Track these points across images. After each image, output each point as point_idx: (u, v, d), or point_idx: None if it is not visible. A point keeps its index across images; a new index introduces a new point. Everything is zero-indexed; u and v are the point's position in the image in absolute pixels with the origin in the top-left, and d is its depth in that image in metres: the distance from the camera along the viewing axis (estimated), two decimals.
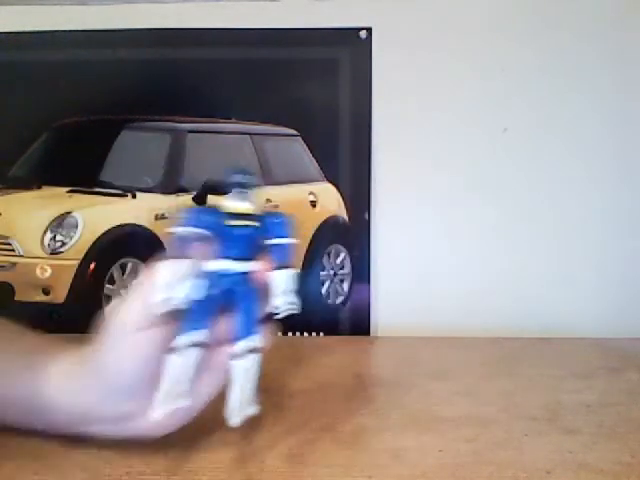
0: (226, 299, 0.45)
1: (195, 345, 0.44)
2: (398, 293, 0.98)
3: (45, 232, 0.94)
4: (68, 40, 0.97)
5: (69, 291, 0.94)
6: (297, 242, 0.46)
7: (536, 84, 0.96)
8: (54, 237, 0.94)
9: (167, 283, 0.43)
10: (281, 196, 0.97)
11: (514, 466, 0.51)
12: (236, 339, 0.45)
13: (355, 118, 0.96)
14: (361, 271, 0.97)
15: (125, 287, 0.96)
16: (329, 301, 0.97)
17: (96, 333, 0.48)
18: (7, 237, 0.94)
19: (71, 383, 0.48)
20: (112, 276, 0.95)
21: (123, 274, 0.95)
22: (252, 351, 0.45)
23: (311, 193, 0.97)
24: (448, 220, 0.98)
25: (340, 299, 0.98)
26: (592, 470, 0.50)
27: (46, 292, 0.94)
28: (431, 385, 0.71)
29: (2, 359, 0.52)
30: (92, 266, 0.94)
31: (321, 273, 0.97)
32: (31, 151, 0.97)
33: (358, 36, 0.95)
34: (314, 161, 0.96)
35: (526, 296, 0.98)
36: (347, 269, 0.97)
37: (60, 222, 0.94)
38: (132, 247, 0.96)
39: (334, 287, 0.97)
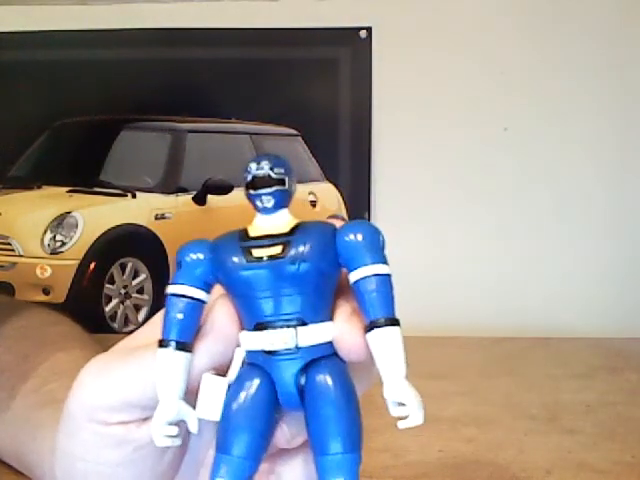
0: (285, 401, 0.27)
1: None
2: (398, 293, 0.97)
3: (45, 232, 0.94)
4: (68, 40, 0.97)
5: (69, 291, 0.94)
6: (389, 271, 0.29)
7: (536, 84, 0.96)
8: (54, 237, 0.94)
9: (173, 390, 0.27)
10: None
11: (514, 466, 0.51)
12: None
13: (355, 118, 0.96)
14: None
15: (125, 287, 0.96)
16: None
17: None
18: (7, 237, 0.94)
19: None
20: (112, 276, 0.95)
21: (123, 274, 0.95)
22: None
23: (311, 193, 0.97)
24: (448, 220, 0.98)
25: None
26: (592, 470, 0.50)
27: (46, 292, 0.94)
28: (431, 385, 0.71)
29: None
30: (92, 266, 0.94)
31: None
32: (31, 151, 0.97)
33: (358, 36, 0.95)
34: (314, 161, 0.96)
35: (526, 296, 0.98)
36: None
37: (60, 222, 0.94)
38: (132, 247, 0.96)
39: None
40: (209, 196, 0.96)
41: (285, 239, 0.26)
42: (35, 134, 0.97)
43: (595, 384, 0.72)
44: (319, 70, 0.96)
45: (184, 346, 0.27)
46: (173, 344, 0.26)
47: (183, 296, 0.27)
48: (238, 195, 0.96)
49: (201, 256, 0.27)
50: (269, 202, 0.26)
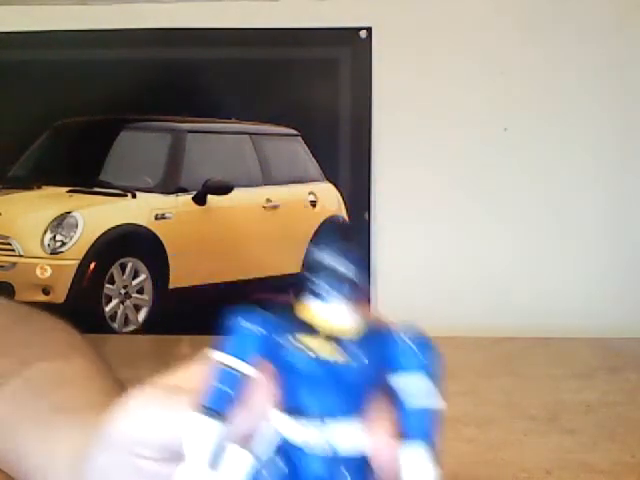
0: None
1: None
2: (398, 293, 0.97)
3: (45, 232, 0.94)
4: (68, 40, 0.97)
5: (69, 291, 0.94)
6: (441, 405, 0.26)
7: (536, 84, 0.96)
8: (54, 237, 0.94)
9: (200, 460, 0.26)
10: (281, 196, 0.97)
11: (514, 466, 0.51)
12: None
13: (355, 118, 0.96)
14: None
15: (125, 287, 0.96)
16: None
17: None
18: (7, 237, 0.94)
19: None
20: (112, 276, 0.95)
21: (123, 274, 0.95)
22: None
23: (311, 193, 0.97)
24: (448, 220, 0.98)
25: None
26: (592, 470, 0.50)
27: (46, 292, 0.94)
28: None
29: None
30: (92, 266, 0.94)
31: None
32: (31, 151, 0.97)
33: (358, 36, 0.95)
34: (314, 161, 0.96)
35: (526, 296, 0.98)
36: None
37: (60, 222, 0.94)
38: (132, 247, 0.96)
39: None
40: (209, 196, 0.96)
41: (338, 335, 0.25)
42: (35, 134, 0.97)
43: (595, 384, 0.72)
44: (319, 70, 0.96)
45: (220, 416, 0.26)
46: (209, 412, 0.26)
47: (230, 367, 0.26)
48: (238, 195, 0.96)
49: (257, 332, 0.26)
50: (331, 293, 0.25)
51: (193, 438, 0.26)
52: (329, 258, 0.25)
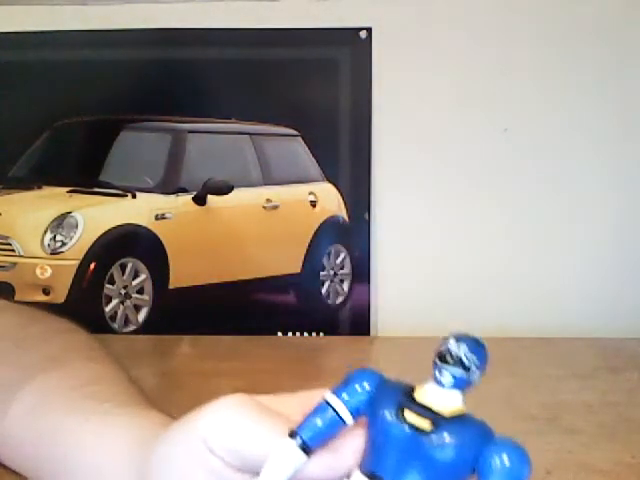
0: None
1: None
2: (398, 293, 0.97)
3: (45, 232, 0.94)
4: (68, 40, 0.97)
5: (69, 291, 0.94)
6: None
7: (536, 84, 0.96)
8: (54, 237, 0.94)
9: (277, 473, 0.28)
10: (281, 196, 0.97)
11: None
12: None
13: (355, 118, 0.96)
14: (361, 271, 0.97)
15: (125, 287, 0.96)
16: (329, 301, 0.97)
17: None
18: (7, 237, 0.94)
19: None
20: (112, 276, 0.95)
21: (123, 274, 0.95)
22: None
23: (311, 193, 0.97)
24: (448, 220, 0.98)
25: (340, 299, 0.97)
26: (592, 470, 0.50)
27: (46, 292, 0.94)
28: None
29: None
30: (92, 266, 0.94)
31: (321, 273, 0.97)
32: (31, 151, 0.97)
33: (358, 36, 0.95)
34: (314, 161, 0.96)
35: (526, 296, 0.98)
36: (347, 269, 0.97)
37: (60, 222, 0.94)
38: (132, 247, 0.96)
39: (334, 287, 0.97)
40: (209, 196, 0.96)
41: (440, 419, 0.27)
42: (35, 134, 0.97)
43: (595, 384, 0.72)
44: (319, 70, 0.96)
45: (307, 449, 0.28)
46: (300, 442, 0.28)
47: (334, 409, 0.28)
48: (238, 195, 0.96)
49: (367, 387, 0.28)
50: (447, 379, 0.27)
51: (277, 460, 0.28)
52: (461, 350, 0.27)
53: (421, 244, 0.98)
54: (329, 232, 0.97)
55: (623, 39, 0.95)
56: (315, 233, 0.97)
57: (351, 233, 0.97)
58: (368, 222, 0.97)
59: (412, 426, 0.26)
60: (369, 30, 0.95)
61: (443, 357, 0.27)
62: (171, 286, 0.96)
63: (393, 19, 0.96)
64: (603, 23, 0.95)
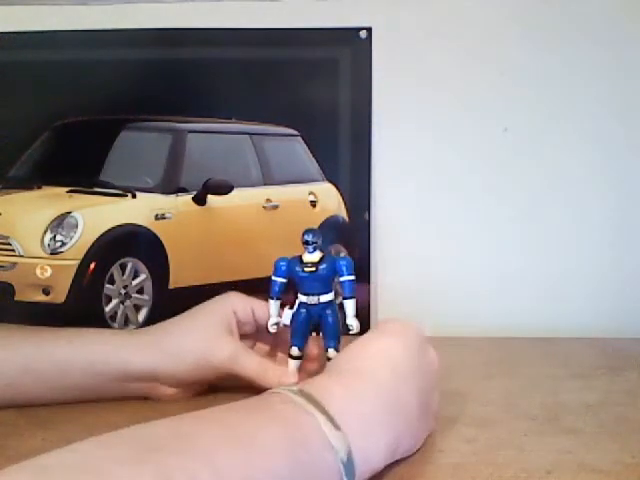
0: (316, 322, 0.63)
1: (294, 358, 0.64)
2: (398, 293, 0.97)
3: (45, 232, 0.94)
4: (68, 40, 0.97)
5: (69, 291, 0.94)
6: (353, 278, 0.61)
7: (536, 84, 0.96)
8: (54, 237, 0.94)
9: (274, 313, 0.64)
10: (281, 196, 0.97)
11: (514, 466, 0.51)
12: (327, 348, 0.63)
13: (355, 118, 0.96)
14: (361, 271, 0.97)
15: (125, 287, 0.96)
16: None
17: None
18: (7, 237, 0.94)
19: None
20: (112, 276, 0.95)
21: (123, 274, 0.95)
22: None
23: (311, 193, 0.97)
24: (448, 220, 0.98)
25: (340, 299, 0.97)
26: (592, 470, 0.50)
27: (46, 292, 0.94)
28: None
29: None
30: (92, 266, 0.94)
31: None
32: (31, 151, 0.97)
33: (358, 36, 0.95)
34: (314, 161, 0.96)
35: (526, 296, 0.98)
36: None
37: (60, 222, 0.94)
38: (132, 247, 0.96)
39: (334, 287, 0.97)
40: (209, 196, 0.96)
41: (316, 263, 0.61)
42: (35, 134, 0.97)
43: (595, 384, 0.72)
44: (319, 70, 0.96)
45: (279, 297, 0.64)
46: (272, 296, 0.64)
47: (276, 279, 0.63)
48: (238, 195, 0.96)
49: (284, 267, 0.62)
50: (311, 248, 0.61)
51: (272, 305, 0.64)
52: (310, 237, 0.61)
53: (421, 244, 0.98)
54: (329, 232, 0.97)
55: (623, 39, 0.95)
56: None
57: (351, 233, 0.97)
58: (368, 222, 0.97)
59: (309, 269, 0.61)
60: (369, 30, 0.96)
61: (307, 242, 0.60)
62: (171, 286, 0.96)
63: (393, 19, 0.96)
64: (603, 23, 0.95)
